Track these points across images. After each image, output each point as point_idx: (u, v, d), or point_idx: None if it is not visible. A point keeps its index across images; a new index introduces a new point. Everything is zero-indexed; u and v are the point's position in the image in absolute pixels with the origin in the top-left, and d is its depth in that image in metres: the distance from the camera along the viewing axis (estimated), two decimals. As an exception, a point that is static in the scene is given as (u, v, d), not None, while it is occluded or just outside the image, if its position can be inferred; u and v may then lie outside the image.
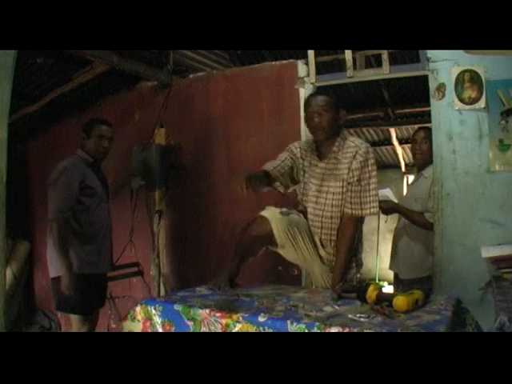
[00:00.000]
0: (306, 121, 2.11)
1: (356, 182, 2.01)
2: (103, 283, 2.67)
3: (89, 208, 2.48)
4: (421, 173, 2.74)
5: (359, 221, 2.08)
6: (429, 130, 2.68)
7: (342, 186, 2.03)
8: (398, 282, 2.76)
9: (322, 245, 2.11)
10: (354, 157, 2.01)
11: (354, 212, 2.03)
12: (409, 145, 6.78)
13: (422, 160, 2.70)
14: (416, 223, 2.59)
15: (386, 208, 2.62)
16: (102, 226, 2.57)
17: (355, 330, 1.31)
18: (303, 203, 2.15)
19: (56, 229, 2.38)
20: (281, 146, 3.05)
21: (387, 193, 2.60)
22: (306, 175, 2.14)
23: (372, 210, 2.02)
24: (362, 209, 2.03)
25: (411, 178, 7.60)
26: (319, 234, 2.09)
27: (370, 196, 2.02)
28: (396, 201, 2.65)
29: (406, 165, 7.34)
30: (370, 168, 2.02)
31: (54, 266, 2.46)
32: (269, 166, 2.10)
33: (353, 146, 2.05)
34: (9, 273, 3.52)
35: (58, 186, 2.41)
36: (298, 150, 2.18)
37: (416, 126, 5.99)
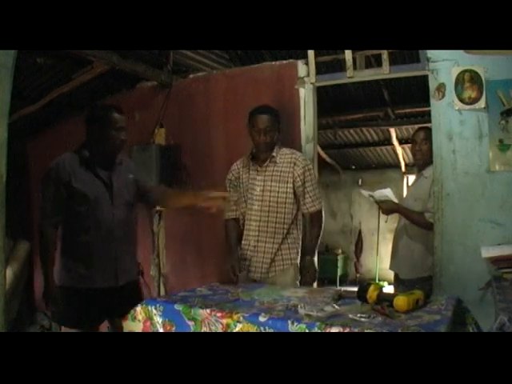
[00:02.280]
0: (251, 135, 2.38)
1: (302, 186, 2.38)
2: (108, 299, 2.12)
3: (80, 213, 2.11)
4: (421, 173, 2.74)
5: (316, 214, 2.45)
6: (429, 130, 2.68)
7: (287, 187, 2.37)
8: (398, 281, 2.76)
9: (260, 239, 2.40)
10: (295, 164, 2.38)
11: (310, 209, 2.41)
12: (409, 145, 6.78)
13: (422, 161, 2.70)
14: (416, 223, 2.59)
15: (386, 208, 2.62)
16: (99, 233, 2.13)
17: (356, 330, 1.31)
18: (248, 205, 2.43)
19: (38, 236, 2.11)
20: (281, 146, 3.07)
21: (387, 193, 2.60)
22: (250, 182, 2.43)
23: (317, 206, 2.42)
24: (313, 206, 2.41)
25: (411, 178, 7.62)
26: (266, 227, 2.37)
27: (314, 195, 2.41)
28: (396, 200, 2.65)
29: (406, 165, 7.34)
30: (309, 172, 2.40)
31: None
32: (232, 215, 2.50)
33: (289, 154, 2.42)
34: (9, 273, 3.52)
35: (42, 190, 2.14)
36: (235, 172, 2.51)
37: (416, 126, 5.99)
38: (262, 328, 1.44)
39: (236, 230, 2.48)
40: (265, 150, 2.38)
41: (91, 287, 2.10)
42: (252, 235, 2.40)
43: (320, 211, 2.43)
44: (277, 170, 2.39)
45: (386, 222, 3.16)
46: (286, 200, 2.37)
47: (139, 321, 1.67)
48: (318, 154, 3.33)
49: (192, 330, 1.56)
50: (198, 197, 2.25)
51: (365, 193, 2.74)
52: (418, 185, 2.78)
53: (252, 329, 1.45)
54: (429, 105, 2.66)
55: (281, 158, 2.40)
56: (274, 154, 2.39)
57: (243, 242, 2.44)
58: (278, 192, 2.36)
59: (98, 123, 2.14)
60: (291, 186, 2.37)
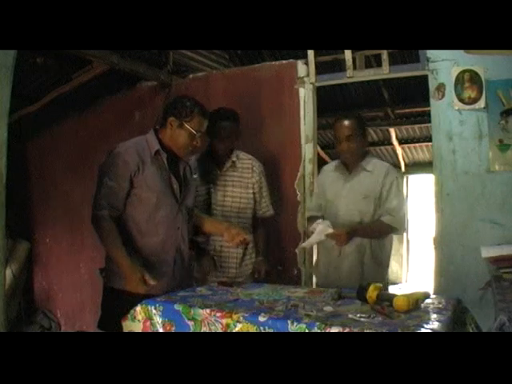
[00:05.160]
0: (213, 135, 2.34)
1: (259, 192, 2.46)
2: None
3: (142, 209, 1.94)
4: (360, 165, 2.29)
5: (269, 219, 2.57)
6: (351, 121, 2.26)
7: (247, 193, 2.43)
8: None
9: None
10: (252, 170, 2.44)
11: (266, 214, 2.51)
12: (409, 145, 6.79)
13: (354, 158, 2.30)
14: (380, 235, 2.26)
15: (339, 234, 2.14)
16: (158, 235, 1.97)
17: (356, 330, 1.31)
18: (214, 207, 2.41)
19: (95, 229, 1.93)
20: (281, 147, 3.08)
21: (327, 226, 2.14)
22: (210, 184, 2.41)
23: (271, 211, 2.53)
24: (268, 210, 2.52)
25: (411, 177, 7.62)
26: None
27: (269, 200, 2.51)
28: (331, 230, 2.14)
29: (406, 165, 7.35)
30: (264, 178, 2.48)
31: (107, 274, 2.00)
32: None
33: (246, 159, 2.45)
34: (9, 273, 3.52)
35: (103, 176, 1.93)
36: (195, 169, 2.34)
37: (416, 126, 6.00)
38: (261, 328, 1.43)
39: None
40: (226, 155, 2.41)
41: (146, 294, 1.83)
42: (214, 239, 2.39)
43: (273, 216, 2.55)
44: (237, 176, 2.43)
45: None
46: (246, 205, 2.43)
47: (139, 321, 1.67)
48: (318, 154, 3.33)
49: (192, 329, 1.56)
50: (225, 229, 2.14)
51: (307, 243, 2.30)
52: (362, 180, 2.29)
53: (252, 329, 1.45)
54: (429, 105, 2.66)
55: (240, 164, 2.43)
56: (234, 159, 2.42)
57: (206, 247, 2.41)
58: (240, 198, 2.41)
59: (177, 118, 2.00)
60: (251, 191, 2.44)
